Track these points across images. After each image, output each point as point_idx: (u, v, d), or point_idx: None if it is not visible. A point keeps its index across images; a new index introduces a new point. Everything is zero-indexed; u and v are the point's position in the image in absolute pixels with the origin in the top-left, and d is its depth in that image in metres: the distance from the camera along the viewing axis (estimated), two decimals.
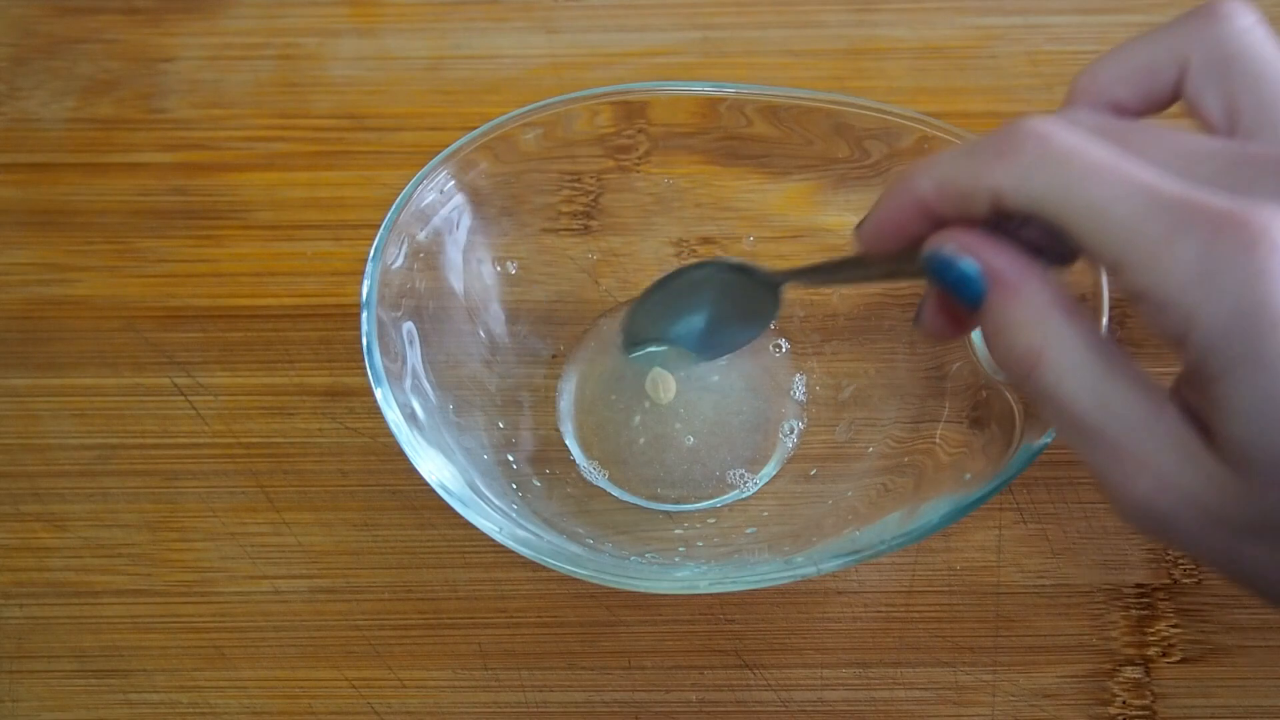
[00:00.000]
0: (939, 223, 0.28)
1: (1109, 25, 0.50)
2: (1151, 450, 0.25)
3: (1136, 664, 0.38)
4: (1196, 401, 0.25)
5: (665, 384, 0.42)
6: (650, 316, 0.40)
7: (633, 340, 0.42)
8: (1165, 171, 0.24)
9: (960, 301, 0.27)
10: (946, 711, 0.38)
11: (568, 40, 0.49)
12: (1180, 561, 0.40)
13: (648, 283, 0.39)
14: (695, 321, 0.40)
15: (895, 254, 0.30)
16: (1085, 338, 0.26)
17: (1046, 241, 0.27)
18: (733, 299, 0.38)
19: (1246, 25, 0.28)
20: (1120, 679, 0.38)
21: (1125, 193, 0.24)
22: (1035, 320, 0.26)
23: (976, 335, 0.38)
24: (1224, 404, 0.23)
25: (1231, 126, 0.28)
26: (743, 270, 0.37)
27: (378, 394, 0.34)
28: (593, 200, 0.43)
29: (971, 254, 0.27)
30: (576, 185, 0.43)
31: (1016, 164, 0.26)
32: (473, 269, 0.41)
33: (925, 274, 0.28)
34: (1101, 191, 0.24)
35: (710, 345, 0.41)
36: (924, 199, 0.28)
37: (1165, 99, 0.29)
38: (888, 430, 0.40)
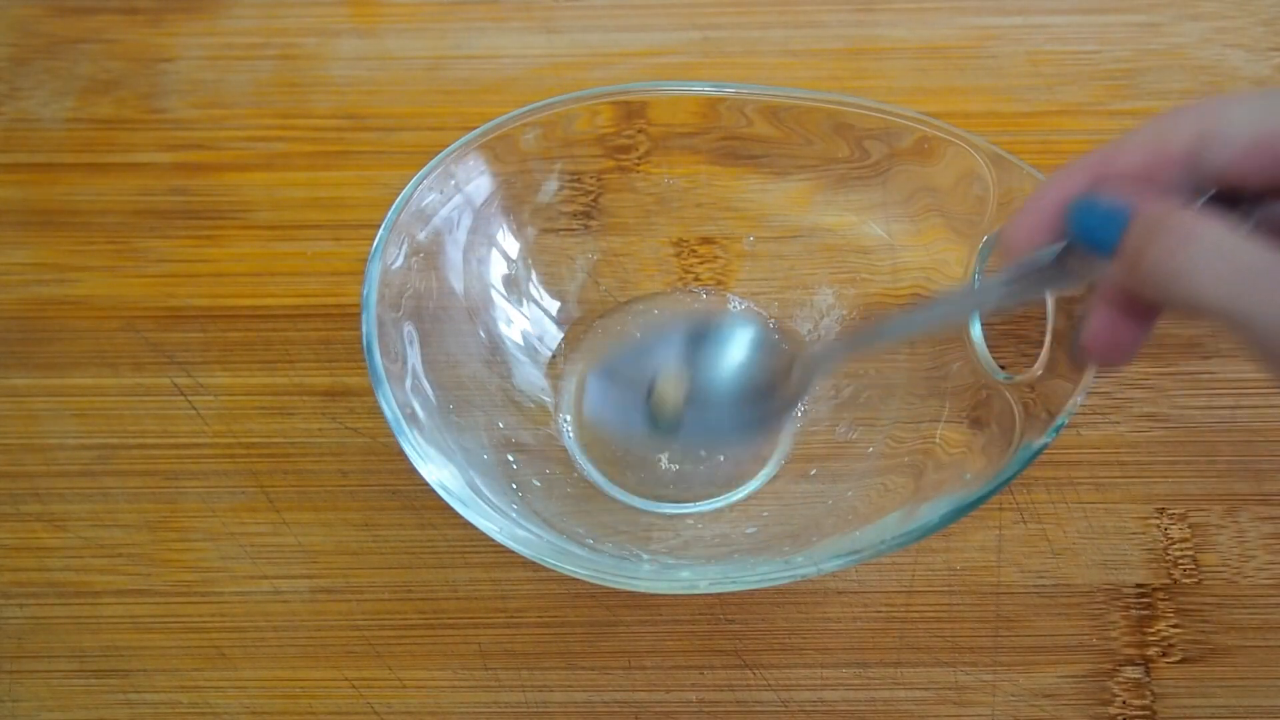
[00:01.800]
0: None
1: (1109, 25, 0.50)
2: None
3: (1136, 664, 0.38)
4: None
5: (676, 387, 0.37)
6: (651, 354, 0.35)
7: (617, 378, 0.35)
8: None
9: (1100, 244, 0.28)
10: (946, 711, 0.38)
11: (568, 40, 0.49)
12: (1180, 561, 0.40)
13: (647, 283, 0.39)
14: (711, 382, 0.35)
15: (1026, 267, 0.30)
16: (1232, 223, 0.26)
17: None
18: (756, 362, 0.35)
19: None
20: (1120, 679, 0.38)
21: None
22: (1179, 210, 0.26)
23: (977, 334, 0.38)
24: None
25: None
26: (766, 329, 0.33)
27: (378, 394, 0.34)
28: (593, 200, 0.43)
29: (1112, 199, 0.28)
30: (576, 185, 0.43)
31: (1210, 101, 0.27)
32: (473, 269, 0.41)
33: (1067, 236, 0.28)
34: None
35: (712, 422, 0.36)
36: (1105, 161, 0.29)
37: None
38: (888, 430, 0.40)
